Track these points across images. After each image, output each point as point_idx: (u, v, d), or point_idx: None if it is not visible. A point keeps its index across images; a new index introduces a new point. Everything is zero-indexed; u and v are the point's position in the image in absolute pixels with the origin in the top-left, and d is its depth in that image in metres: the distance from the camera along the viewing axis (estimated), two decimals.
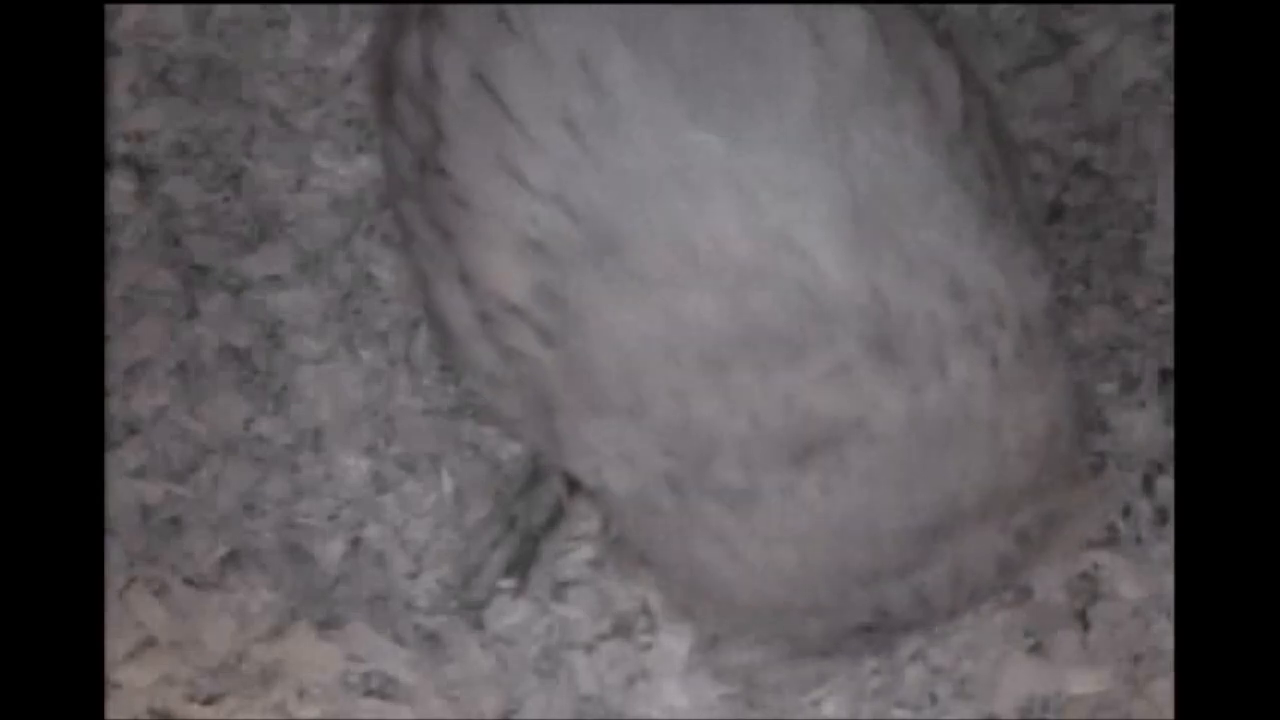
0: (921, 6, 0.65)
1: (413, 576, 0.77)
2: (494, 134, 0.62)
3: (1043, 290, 0.63)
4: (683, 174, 0.61)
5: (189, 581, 0.76)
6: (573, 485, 0.76)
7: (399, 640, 0.76)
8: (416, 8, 0.66)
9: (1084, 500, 0.71)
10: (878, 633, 0.65)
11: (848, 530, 0.62)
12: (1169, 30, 0.83)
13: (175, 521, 0.77)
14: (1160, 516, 0.77)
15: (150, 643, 0.75)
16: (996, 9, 0.83)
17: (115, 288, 0.80)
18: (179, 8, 0.84)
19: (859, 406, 0.60)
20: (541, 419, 0.65)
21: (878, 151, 0.61)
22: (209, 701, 0.75)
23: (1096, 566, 0.76)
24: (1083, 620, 0.75)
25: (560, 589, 0.77)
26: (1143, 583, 0.75)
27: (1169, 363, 0.78)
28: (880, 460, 0.61)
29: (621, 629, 0.76)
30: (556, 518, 0.77)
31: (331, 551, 0.77)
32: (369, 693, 0.75)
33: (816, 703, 0.74)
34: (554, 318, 0.62)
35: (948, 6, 0.83)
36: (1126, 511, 0.77)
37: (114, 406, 0.79)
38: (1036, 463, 0.63)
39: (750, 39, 0.62)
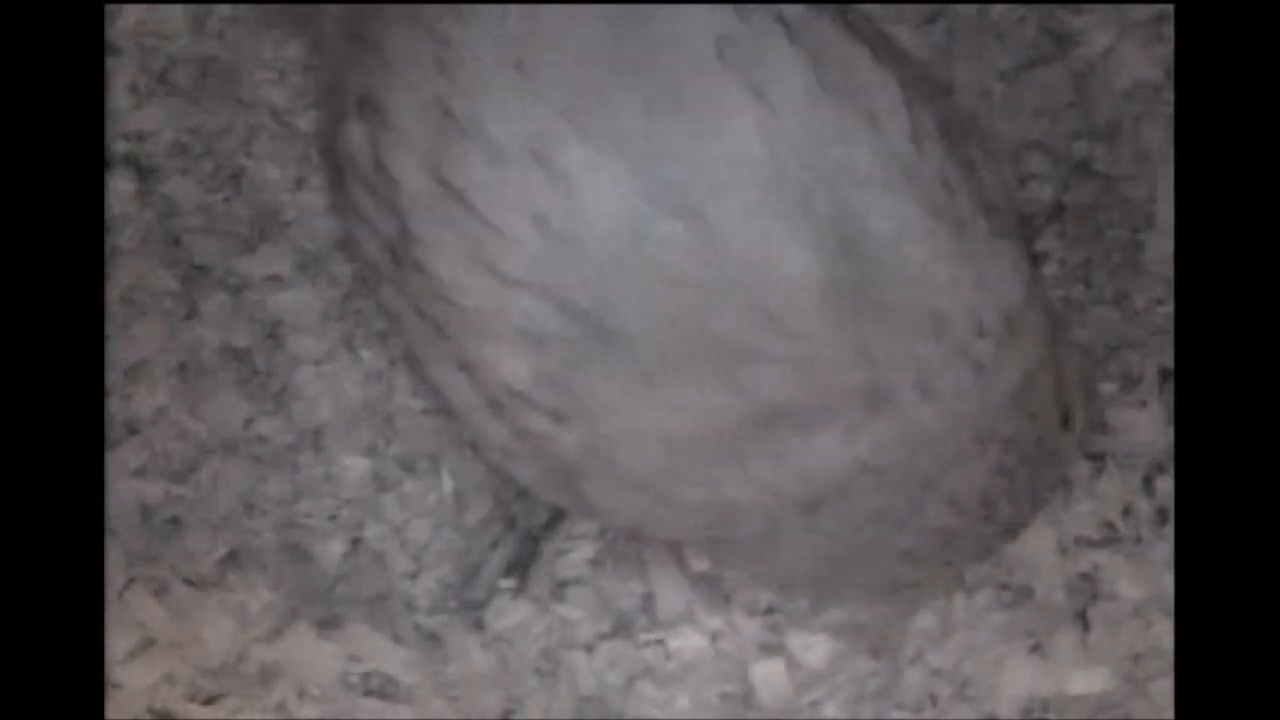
0: (853, 6, 0.65)
1: (413, 576, 0.77)
2: (465, 233, 0.62)
3: (1022, 278, 0.64)
4: (659, 264, 0.61)
5: (189, 581, 0.76)
6: None
7: (399, 640, 0.76)
8: (351, 93, 0.65)
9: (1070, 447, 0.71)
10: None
11: (865, 546, 0.66)
12: (1169, 30, 0.83)
13: (175, 521, 0.77)
14: (1160, 516, 0.77)
15: (150, 643, 0.75)
16: (996, 9, 0.83)
17: (115, 288, 0.80)
18: (179, 8, 0.84)
19: (860, 452, 0.62)
20: (564, 483, 0.65)
21: (838, 205, 0.61)
22: (209, 701, 0.75)
23: (1096, 566, 0.76)
24: (1083, 620, 0.75)
25: (560, 589, 0.77)
26: (1143, 583, 0.75)
27: (1169, 363, 0.78)
28: (887, 485, 0.63)
29: (621, 629, 0.76)
30: (556, 518, 0.77)
31: (331, 551, 0.77)
32: (369, 693, 0.75)
33: (816, 703, 0.74)
34: (563, 402, 0.62)
35: (948, 6, 0.83)
36: (1126, 511, 0.77)
37: (114, 406, 0.78)
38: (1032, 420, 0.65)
39: (694, 106, 0.61)
